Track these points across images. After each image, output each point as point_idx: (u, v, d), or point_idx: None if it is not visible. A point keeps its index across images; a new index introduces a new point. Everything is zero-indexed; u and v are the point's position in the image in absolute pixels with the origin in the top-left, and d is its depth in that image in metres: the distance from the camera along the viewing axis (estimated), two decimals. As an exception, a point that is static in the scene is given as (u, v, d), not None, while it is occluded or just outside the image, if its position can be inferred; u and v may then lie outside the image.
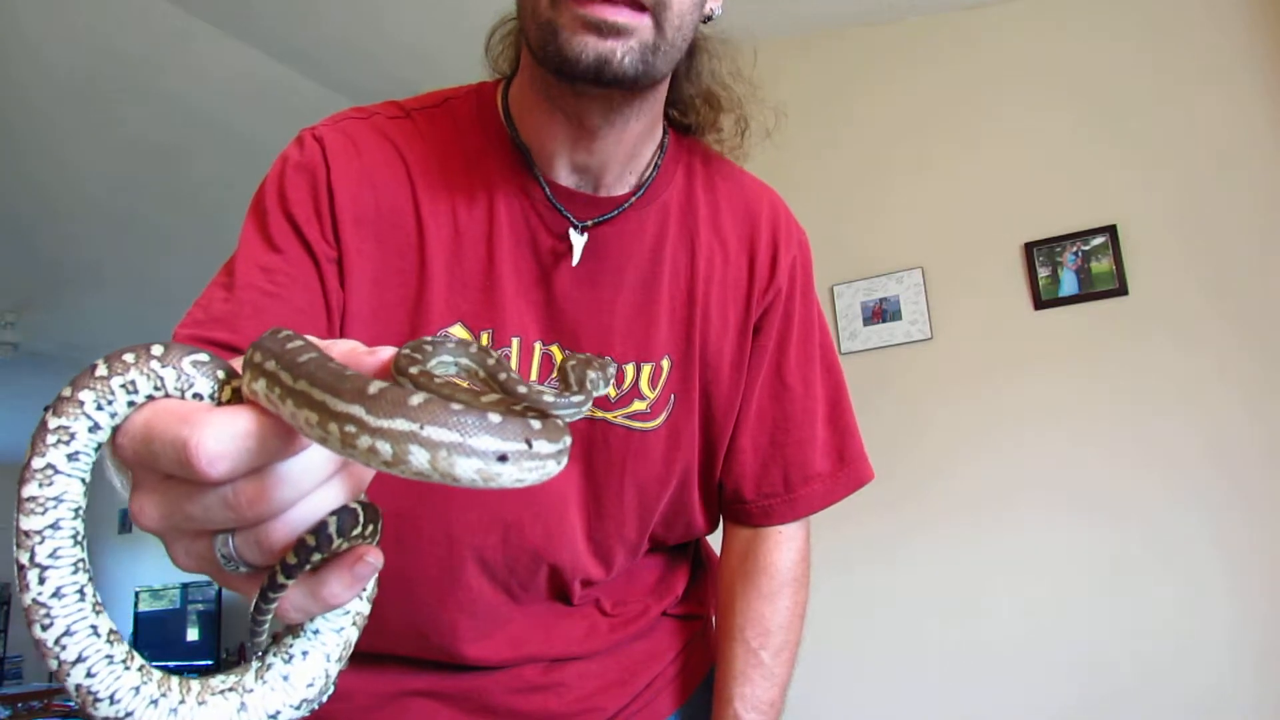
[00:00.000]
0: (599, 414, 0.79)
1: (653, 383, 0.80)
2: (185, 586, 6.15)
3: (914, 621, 2.53)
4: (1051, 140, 2.58)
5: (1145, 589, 2.28)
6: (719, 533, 0.95)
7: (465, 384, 0.42)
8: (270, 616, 0.38)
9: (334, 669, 0.43)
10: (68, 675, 0.37)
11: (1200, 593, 2.23)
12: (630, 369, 0.79)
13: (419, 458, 0.30)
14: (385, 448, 0.30)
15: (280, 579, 0.36)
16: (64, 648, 0.37)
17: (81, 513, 0.38)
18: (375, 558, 0.37)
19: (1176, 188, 2.42)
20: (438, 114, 0.80)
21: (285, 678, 0.42)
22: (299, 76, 3.26)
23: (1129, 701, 2.24)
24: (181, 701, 0.39)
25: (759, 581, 0.88)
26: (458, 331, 0.74)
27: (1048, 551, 2.40)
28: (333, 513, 0.36)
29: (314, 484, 0.34)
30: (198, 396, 0.37)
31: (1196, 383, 2.31)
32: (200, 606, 6.03)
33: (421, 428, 0.30)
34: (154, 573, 6.53)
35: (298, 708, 0.42)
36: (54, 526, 0.37)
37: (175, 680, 0.40)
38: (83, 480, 0.38)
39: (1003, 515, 2.47)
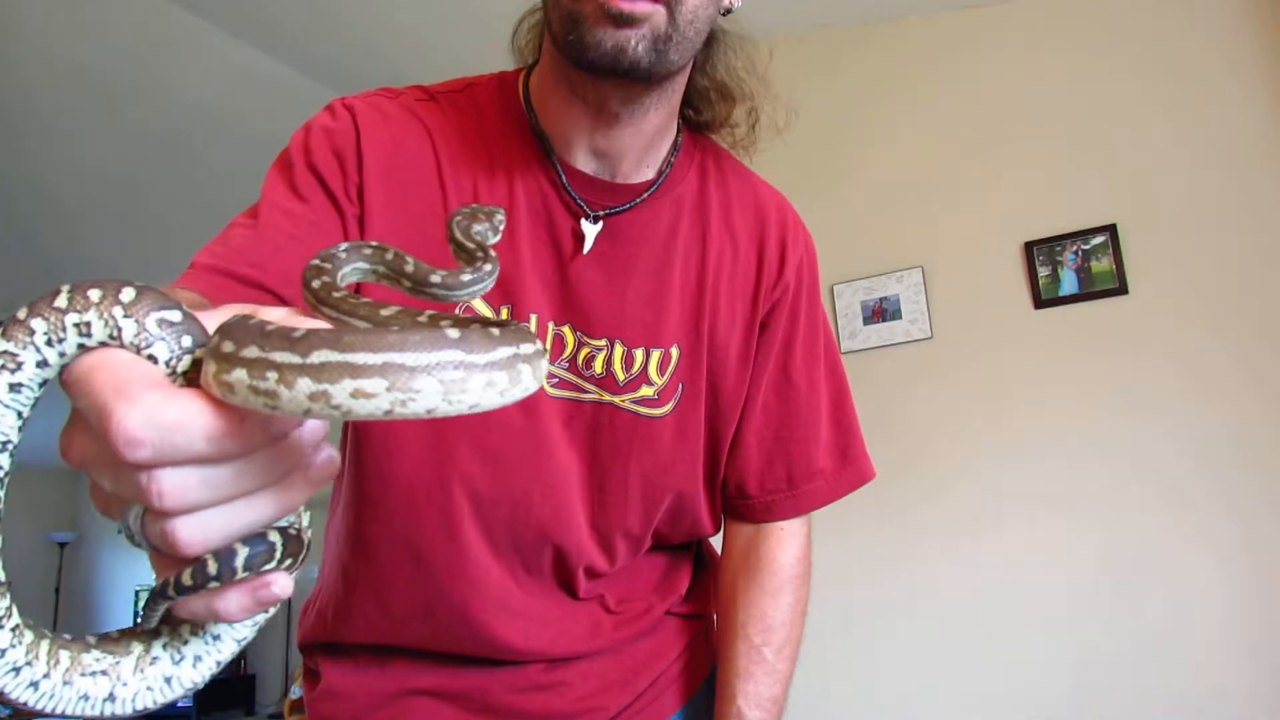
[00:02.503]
0: (606, 397, 0.80)
1: (661, 369, 0.81)
2: (185, 585, 6.16)
3: (911, 614, 2.54)
4: (1052, 139, 2.58)
5: (1146, 587, 2.28)
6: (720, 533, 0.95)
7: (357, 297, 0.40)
8: (161, 610, 0.35)
9: (217, 671, 0.40)
10: None
11: (1204, 590, 2.23)
12: (639, 353, 0.80)
13: (528, 375, 0.31)
14: (501, 377, 0.30)
15: (170, 593, 0.32)
16: None
17: (11, 449, 0.34)
18: (282, 588, 0.34)
19: (1176, 187, 2.42)
20: (461, 98, 0.82)
21: (168, 679, 0.38)
22: (304, 75, 3.26)
23: (1127, 698, 2.25)
24: (45, 676, 0.35)
25: (761, 578, 0.89)
26: (477, 305, 0.76)
27: (1046, 548, 2.40)
28: (247, 541, 0.32)
29: (240, 492, 0.31)
30: (153, 359, 0.33)
31: (1196, 381, 2.32)
32: (200, 605, 6.04)
33: (519, 346, 0.31)
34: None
35: (167, 705, 0.38)
36: None
37: (45, 648, 0.36)
38: (19, 414, 0.34)
39: (1002, 512, 2.47)
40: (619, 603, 0.87)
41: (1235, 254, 2.33)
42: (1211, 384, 2.30)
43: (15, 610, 0.35)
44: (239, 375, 0.29)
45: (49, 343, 0.33)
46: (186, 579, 0.32)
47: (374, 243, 0.44)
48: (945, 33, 2.78)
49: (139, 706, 0.37)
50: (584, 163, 0.79)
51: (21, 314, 0.33)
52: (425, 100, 0.80)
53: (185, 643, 0.39)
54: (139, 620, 0.39)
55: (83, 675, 0.36)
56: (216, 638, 0.39)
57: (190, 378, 0.33)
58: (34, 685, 0.35)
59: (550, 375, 0.78)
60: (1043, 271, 2.53)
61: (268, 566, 0.33)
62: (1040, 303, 2.52)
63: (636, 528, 0.83)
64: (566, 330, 0.79)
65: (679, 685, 0.90)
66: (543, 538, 0.79)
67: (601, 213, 0.79)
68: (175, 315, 0.33)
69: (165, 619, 0.38)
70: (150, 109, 3.34)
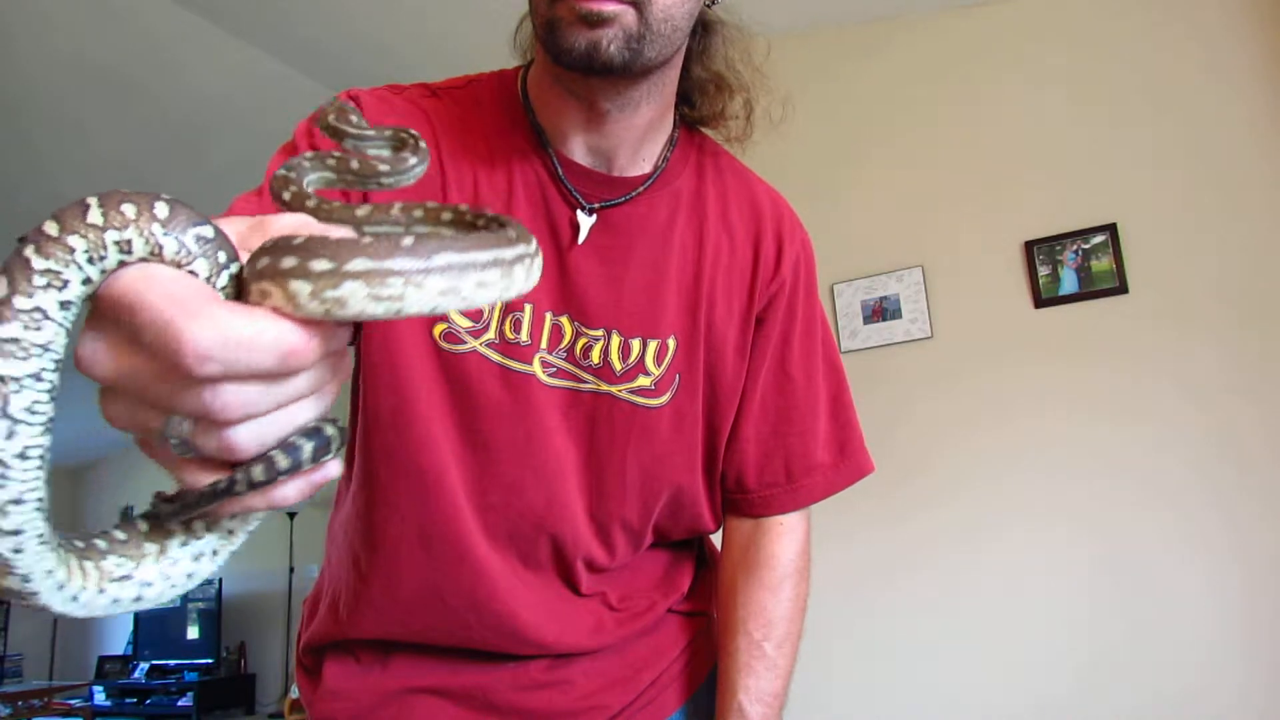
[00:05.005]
0: (604, 387, 0.80)
1: (658, 360, 0.82)
2: (185, 585, 6.16)
3: (907, 605, 2.54)
4: (1052, 138, 2.59)
5: (1159, 584, 2.29)
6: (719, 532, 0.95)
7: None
8: (198, 513, 0.36)
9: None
10: None
11: (1221, 587, 2.24)
12: (636, 344, 0.81)
13: (536, 269, 0.37)
14: (521, 271, 0.35)
15: (240, 489, 0.33)
16: (6, 515, 0.32)
17: (60, 366, 0.33)
18: (336, 468, 0.37)
19: (1176, 187, 2.42)
20: (462, 94, 0.84)
21: (189, 575, 0.39)
22: (307, 74, 3.27)
23: (1125, 699, 2.25)
24: (83, 588, 0.36)
25: (761, 573, 0.89)
26: None
27: (1047, 546, 2.41)
28: (306, 434, 0.34)
29: (295, 399, 0.33)
30: (193, 274, 0.33)
31: (1196, 380, 2.32)
32: (200, 605, 6.02)
33: (532, 244, 0.36)
34: (154, 571, 6.49)
35: (177, 598, 0.39)
36: (36, 377, 0.31)
37: (75, 563, 0.36)
38: (68, 331, 0.33)
39: (1002, 510, 2.48)
40: (621, 600, 0.87)
41: (1236, 253, 2.33)
42: (1211, 384, 2.30)
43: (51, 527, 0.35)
44: (352, 288, 0.30)
45: (90, 260, 0.32)
46: (259, 475, 0.33)
47: (337, 153, 0.45)
48: (946, 33, 2.78)
49: (159, 602, 0.39)
50: (580, 155, 0.81)
51: (52, 229, 0.32)
52: (428, 96, 0.82)
53: (201, 540, 0.39)
54: (138, 519, 0.39)
55: (110, 581, 0.37)
56: (231, 532, 0.40)
57: (228, 293, 0.33)
58: (75, 599, 0.36)
59: (547, 365, 0.79)
60: (1043, 271, 2.53)
61: (327, 456, 0.35)
62: (1040, 302, 2.53)
63: (635, 520, 0.84)
64: (564, 320, 0.80)
65: (680, 683, 0.91)
66: (538, 527, 0.79)
67: (597, 205, 0.80)
68: (209, 231, 0.33)
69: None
70: (156, 105, 3.34)
